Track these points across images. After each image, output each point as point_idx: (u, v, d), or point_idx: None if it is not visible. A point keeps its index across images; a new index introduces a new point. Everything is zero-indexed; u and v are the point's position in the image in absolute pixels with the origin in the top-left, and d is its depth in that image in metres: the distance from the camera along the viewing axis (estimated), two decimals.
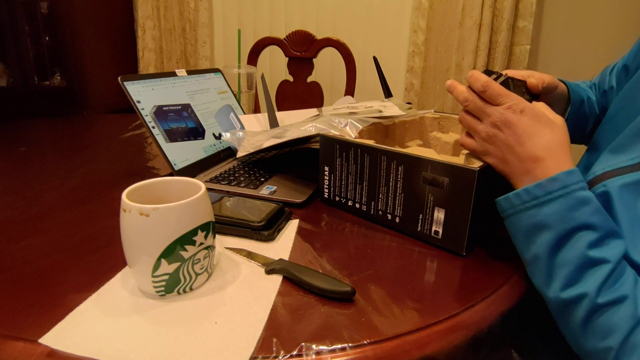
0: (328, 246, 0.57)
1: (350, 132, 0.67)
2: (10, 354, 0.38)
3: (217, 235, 0.50)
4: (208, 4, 2.07)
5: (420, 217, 0.58)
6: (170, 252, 0.43)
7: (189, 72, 0.87)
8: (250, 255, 0.54)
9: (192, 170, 0.76)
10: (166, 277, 0.44)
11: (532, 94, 0.56)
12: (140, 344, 0.39)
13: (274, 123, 0.89)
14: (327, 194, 0.70)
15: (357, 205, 0.66)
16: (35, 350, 0.38)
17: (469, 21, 1.77)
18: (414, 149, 0.68)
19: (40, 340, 0.38)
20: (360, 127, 0.68)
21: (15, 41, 1.79)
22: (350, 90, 1.58)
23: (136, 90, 0.74)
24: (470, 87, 0.53)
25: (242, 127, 0.91)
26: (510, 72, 0.55)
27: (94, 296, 0.45)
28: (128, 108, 0.75)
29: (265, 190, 0.70)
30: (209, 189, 0.55)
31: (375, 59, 0.97)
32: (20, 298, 0.44)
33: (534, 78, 0.56)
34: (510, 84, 0.54)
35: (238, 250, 0.55)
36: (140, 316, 0.42)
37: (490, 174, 0.53)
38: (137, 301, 0.45)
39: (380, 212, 0.63)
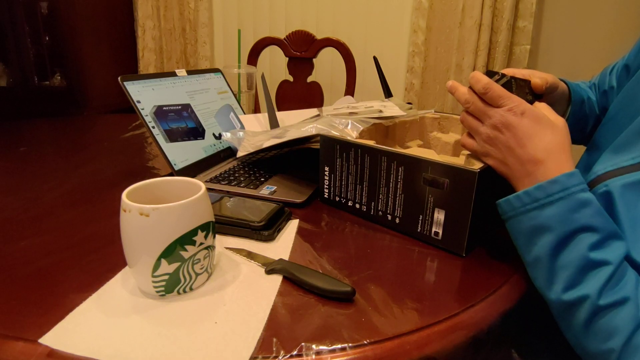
0: (328, 246, 0.57)
1: (351, 132, 0.67)
2: (10, 354, 0.38)
3: (217, 235, 0.50)
4: (208, 4, 2.07)
5: (420, 218, 0.58)
6: (170, 252, 0.43)
7: (189, 72, 0.87)
8: (250, 255, 0.54)
9: (192, 170, 0.76)
10: (166, 277, 0.44)
11: (535, 94, 0.56)
12: (140, 344, 0.39)
13: (274, 123, 0.89)
14: (327, 194, 0.70)
15: (357, 206, 0.66)
16: (35, 350, 0.38)
17: (469, 21, 1.77)
18: (415, 149, 0.68)
19: (40, 340, 0.38)
20: (361, 128, 0.68)
21: (15, 41, 1.79)
22: (350, 90, 1.58)
23: (136, 90, 0.74)
24: (471, 89, 0.53)
25: (242, 127, 0.91)
26: (511, 71, 0.55)
27: (94, 296, 0.45)
28: (128, 108, 0.75)
29: (265, 190, 0.70)
30: (209, 189, 0.55)
31: (375, 59, 0.97)
32: (20, 298, 0.44)
33: (538, 78, 0.56)
34: (513, 84, 0.54)
35: (238, 250, 0.55)
36: (140, 316, 0.42)
37: (490, 175, 0.53)
38: (137, 301, 0.45)
39: (380, 213, 0.63)
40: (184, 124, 0.80)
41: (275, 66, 2.04)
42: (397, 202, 0.60)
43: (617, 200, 0.47)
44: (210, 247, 0.47)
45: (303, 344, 0.39)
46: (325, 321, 0.42)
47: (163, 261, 0.43)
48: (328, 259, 0.54)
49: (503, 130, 0.50)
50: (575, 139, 0.74)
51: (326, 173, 0.68)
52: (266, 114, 0.92)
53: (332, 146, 0.66)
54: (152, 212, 0.41)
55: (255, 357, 0.38)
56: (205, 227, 0.45)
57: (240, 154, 0.79)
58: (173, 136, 0.76)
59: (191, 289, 0.47)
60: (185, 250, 0.44)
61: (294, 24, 2.01)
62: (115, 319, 0.42)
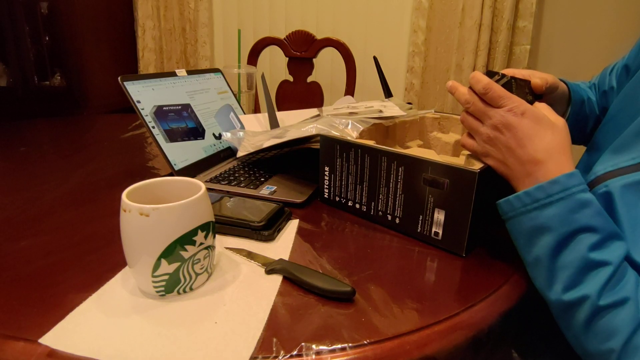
0: (328, 246, 0.57)
1: (351, 132, 0.67)
2: (10, 354, 0.38)
3: (217, 235, 0.50)
4: (208, 4, 2.07)
5: (420, 218, 0.58)
6: (170, 252, 0.43)
7: (189, 72, 0.87)
8: (250, 255, 0.54)
9: (192, 170, 0.76)
10: (166, 277, 0.44)
11: (535, 94, 0.56)
12: (140, 344, 0.39)
13: (274, 123, 0.89)
14: (327, 194, 0.70)
15: (357, 206, 0.66)
16: (35, 350, 0.38)
17: (469, 21, 1.77)
18: (415, 149, 0.68)
19: (40, 340, 0.38)
20: (362, 128, 0.68)
21: (15, 41, 1.79)
22: (350, 90, 1.58)
23: (136, 90, 0.74)
24: (471, 89, 0.53)
25: (242, 127, 0.91)
26: (511, 71, 0.55)
27: (94, 296, 0.45)
28: (128, 108, 0.75)
29: (265, 190, 0.70)
30: (209, 189, 0.55)
31: (375, 59, 0.97)
32: (20, 298, 0.44)
33: (538, 78, 0.56)
34: (513, 84, 0.54)
35: (238, 250, 0.55)
36: (140, 316, 0.42)
37: (490, 175, 0.53)
38: (137, 301, 0.45)
39: (380, 213, 0.63)
40: (184, 124, 0.80)
41: (275, 66, 2.04)
42: (397, 202, 0.60)
43: (617, 200, 0.47)
44: (210, 247, 0.47)
45: (303, 344, 0.39)
46: (325, 321, 0.42)
47: (163, 261, 0.43)
48: (328, 259, 0.54)
49: (503, 130, 0.50)
50: (575, 139, 0.74)
51: (326, 173, 0.68)
52: (266, 114, 0.92)
53: (332, 146, 0.66)
54: (152, 212, 0.41)
55: (255, 357, 0.38)
56: (205, 227, 0.45)
57: (240, 154, 0.79)
58: (173, 136, 0.76)
59: (191, 289, 0.47)
60: (185, 250, 0.44)
61: (294, 24, 2.01)
62: (115, 319, 0.42)
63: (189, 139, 0.79)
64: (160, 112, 0.76)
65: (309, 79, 1.63)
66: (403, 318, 0.43)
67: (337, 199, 0.68)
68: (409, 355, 0.40)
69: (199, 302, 0.45)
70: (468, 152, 0.57)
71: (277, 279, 0.49)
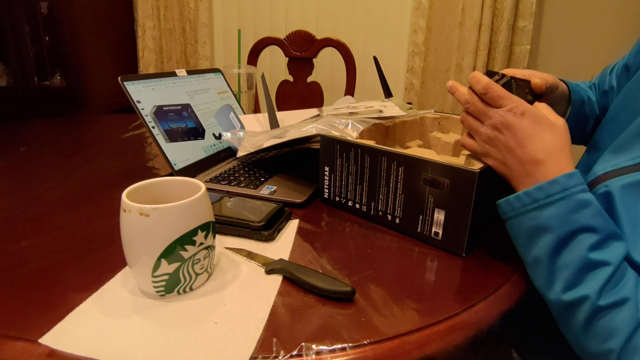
0: (328, 246, 0.57)
1: (351, 132, 0.67)
2: (10, 354, 0.38)
3: (217, 235, 0.50)
4: (208, 4, 2.07)
5: (420, 218, 0.58)
6: (170, 252, 0.43)
7: (189, 72, 0.87)
8: (250, 255, 0.54)
9: (192, 170, 0.76)
10: (166, 277, 0.44)
11: (535, 94, 0.56)
12: (140, 344, 0.39)
13: (274, 123, 0.89)
14: (327, 194, 0.70)
15: (357, 206, 0.66)
16: (35, 350, 0.38)
17: (469, 21, 1.77)
18: (415, 149, 0.68)
19: (40, 340, 0.38)
20: (362, 128, 0.68)
21: (15, 41, 1.79)
22: (350, 90, 1.58)
23: (136, 90, 0.74)
24: (471, 89, 0.53)
25: (242, 127, 0.91)
26: (511, 71, 0.55)
27: (94, 296, 0.45)
28: (128, 108, 0.75)
29: (265, 190, 0.70)
30: (209, 189, 0.55)
31: (375, 59, 0.97)
32: (20, 298, 0.44)
33: (538, 78, 0.56)
34: (513, 84, 0.54)
35: (238, 250, 0.55)
36: (140, 316, 0.42)
37: (490, 175, 0.53)
38: (137, 301, 0.45)
39: (380, 213, 0.63)
40: (184, 124, 0.80)
41: (275, 66, 2.04)
42: (397, 202, 0.60)
43: (617, 200, 0.47)
44: (210, 247, 0.48)
45: (303, 344, 0.39)
46: (325, 321, 0.42)
47: (163, 261, 0.43)
48: (328, 259, 0.54)
49: (503, 130, 0.50)
50: (576, 139, 0.74)
51: (326, 173, 0.68)
52: (266, 114, 0.92)
53: (332, 146, 0.66)
54: (152, 212, 0.41)
55: (255, 357, 0.38)
56: (205, 227, 0.45)
57: (240, 154, 0.79)
58: (173, 136, 0.76)
59: (191, 289, 0.47)
60: (185, 250, 0.44)
61: (294, 24, 2.01)
62: (115, 319, 0.42)
63: (189, 139, 0.79)
64: (160, 112, 0.76)
65: (309, 79, 1.63)
66: (403, 318, 0.43)
67: (337, 199, 0.68)
68: (409, 355, 0.40)
69: (199, 302, 0.45)
70: (468, 152, 0.57)
71: (277, 279, 0.49)
